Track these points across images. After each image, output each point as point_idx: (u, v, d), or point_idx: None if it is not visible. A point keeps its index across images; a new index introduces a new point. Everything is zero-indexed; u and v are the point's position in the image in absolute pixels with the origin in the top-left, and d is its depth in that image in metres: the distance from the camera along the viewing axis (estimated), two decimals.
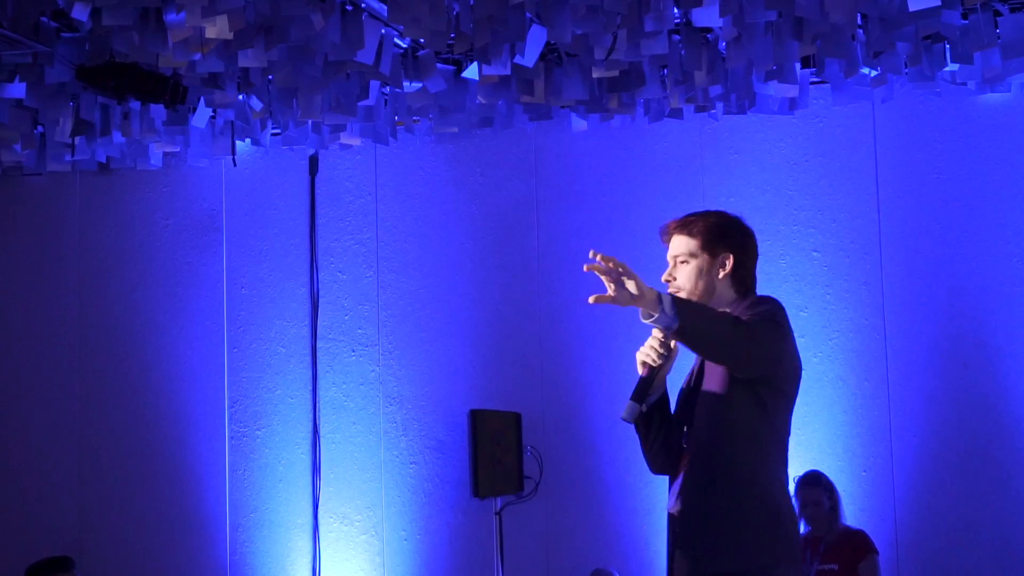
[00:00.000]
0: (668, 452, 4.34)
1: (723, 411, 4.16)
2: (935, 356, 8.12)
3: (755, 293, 4.36)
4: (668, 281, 4.40)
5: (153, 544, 8.91)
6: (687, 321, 3.99)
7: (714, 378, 4.20)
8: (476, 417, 7.90)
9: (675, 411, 4.38)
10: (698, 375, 4.31)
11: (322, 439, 8.85)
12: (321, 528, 8.78)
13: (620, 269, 4.05)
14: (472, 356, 8.76)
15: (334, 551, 8.76)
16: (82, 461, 9.05)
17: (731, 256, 4.33)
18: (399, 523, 8.74)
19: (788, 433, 4.28)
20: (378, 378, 8.87)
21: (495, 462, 7.93)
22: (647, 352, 4.31)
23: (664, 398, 4.40)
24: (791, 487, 4.55)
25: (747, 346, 4.05)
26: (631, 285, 4.02)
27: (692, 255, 4.37)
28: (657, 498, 8.28)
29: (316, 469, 8.83)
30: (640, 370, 4.32)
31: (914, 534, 8.04)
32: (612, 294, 4.06)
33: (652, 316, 4.02)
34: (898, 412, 8.11)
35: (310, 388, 8.91)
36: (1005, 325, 8.03)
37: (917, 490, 8.06)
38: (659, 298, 4.01)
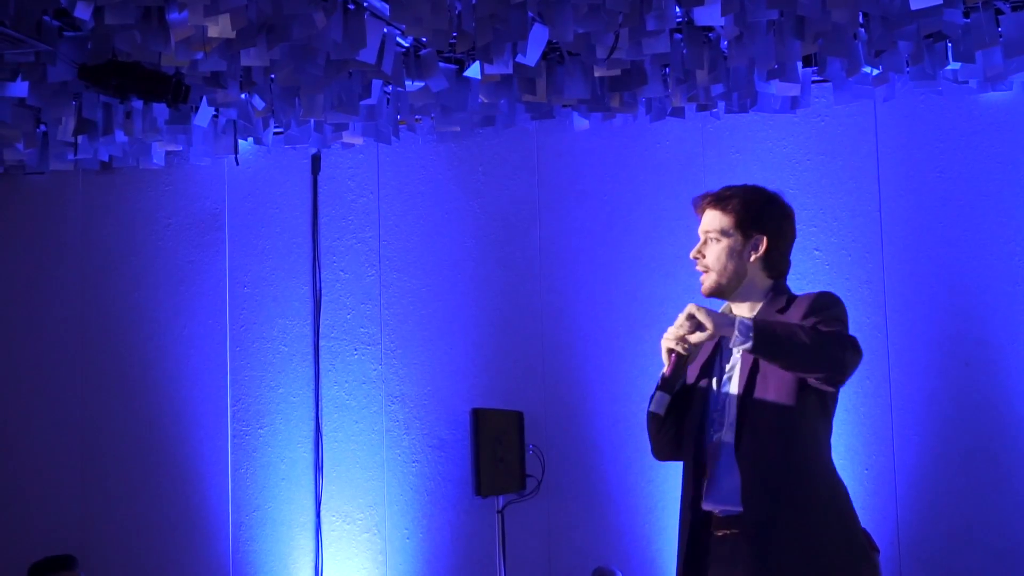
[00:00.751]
0: (678, 443, 4.16)
1: (795, 420, 3.98)
2: (936, 355, 8.12)
3: (785, 278, 4.19)
4: (696, 258, 4.16)
5: (156, 543, 8.92)
6: (761, 346, 3.82)
7: (778, 386, 3.99)
8: (478, 416, 7.90)
9: (697, 408, 4.14)
10: (748, 380, 4.04)
11: (324, 438, 8.85)
12: (323, 526, 8.78)
13: (683, 336, 3.93)
14: (474, 355, 8.77)
15: (336, 549, 8.77)
16: (84, 460, 9.05)
17: (765, 238, 4.11)
18: (401, 521, 8.75)
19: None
20: (380, 377, 8.87)
21: (497, 461, 7.93)
22: (672, 340, 4.00)
23: (684, 387, 4.18)
24: None
25: (834, 358, 3.92)
26: (696, 337, 3.90)
27: (724, 233, 4.13)
28: (659, 496, 8.29)
29: (318, 468, 8.84)
30: (665, 358, 4.06)
31: (916, 532, 8.04)
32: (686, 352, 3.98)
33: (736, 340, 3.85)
34: (900, 410, 8.12)
35: (312, 387, 8.92)
36: (1007, 324, 8.03)
37: (919, 489, 8.06)
38: (735, 323, 3.84)
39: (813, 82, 8.00)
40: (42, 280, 9.21)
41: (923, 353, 8.13)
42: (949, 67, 7.68)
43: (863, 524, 7.90)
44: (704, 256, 4.14)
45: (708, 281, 4.14)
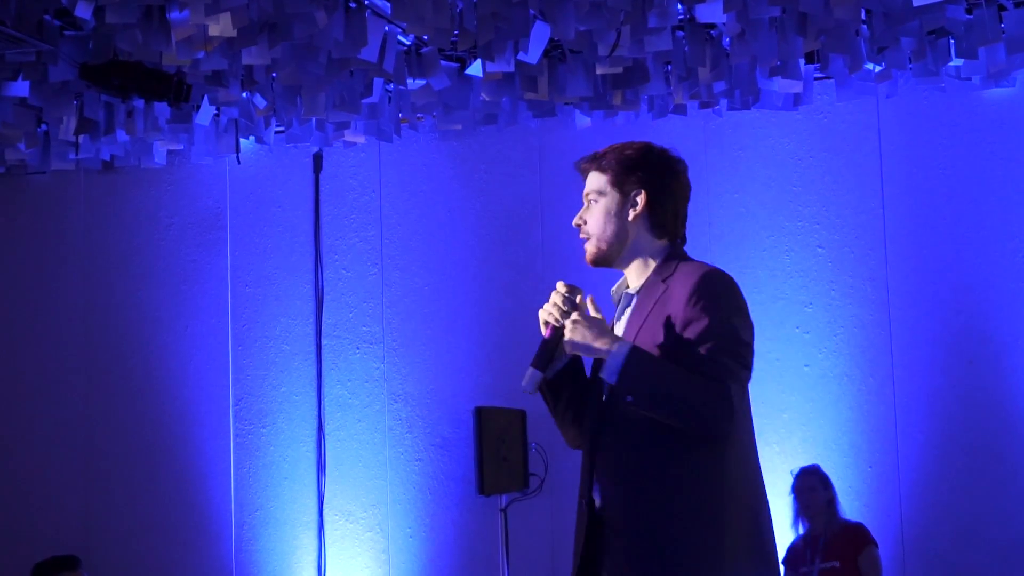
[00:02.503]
0: (581, 426, 3.80)
1: (656, 424, 3.61)
2: (940, 352, 8.12)
3: (681, 241, 3.79)
4: (578, 225, 3.81)
5: (158, 542, 8.92)
6: (625, 383, 3.54)
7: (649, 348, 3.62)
8: (481, 414, 7.90)
9: (591, 397, 3.79)
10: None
11: (327, 437, 8.85)
12: (326, 525, 8.78)
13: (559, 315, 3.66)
14: (477, 353, 8.76)
15: (339, 548, 8.76)
16: (87, 459, 9.05)
17: (644, 192, 3.73)
18: (404, 520, 8.74)
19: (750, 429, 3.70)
20: (383, 375, 8.87)
21: (500, 459, 7.93)
22: (549, 310, 3.75)
23: (576, 363, 3.85)
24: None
25: (710, 419, 3.51)
26: (572, 330, 3.62)
27: (601, 193, 3.76)
28: None
29: (321, 467, 8.83)
30: (543, 331, 3.77)
31: (919, 530, 8.03)
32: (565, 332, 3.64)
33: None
34: (903, 408, 8.11)
35: (315, 386, 8.92)
36: (1010, 321, 8.03)
37: (922, 486, 8.06)
38: (609, 348, 3.57)
39: (815, 79, 7.99)
40: (44, 280, 9.21)
41: (926, 350, 8.12)
42: (952, 63, 7.67)
43: (868, 521, 7.88)
44: (586, 222, 3.80)
45: (590, 248, 3.82)
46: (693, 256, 3.85)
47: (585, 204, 3.81)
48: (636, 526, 3.60)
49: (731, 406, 3.51)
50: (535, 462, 8.22)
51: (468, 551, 8.64)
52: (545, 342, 3.75)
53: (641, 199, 3.74)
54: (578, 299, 3.75)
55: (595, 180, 3.78)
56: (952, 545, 7.97)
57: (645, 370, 3.57)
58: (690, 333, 3.58)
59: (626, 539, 3.60)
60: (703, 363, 3.54)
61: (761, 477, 3.70)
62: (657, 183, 3.77)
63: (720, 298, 3.60)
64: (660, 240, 3.77)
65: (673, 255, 3.78)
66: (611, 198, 3.76)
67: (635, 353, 3.58)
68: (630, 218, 3.75)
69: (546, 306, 3.75)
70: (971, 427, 8.01)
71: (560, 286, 3.75)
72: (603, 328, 3.69)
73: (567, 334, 3.68)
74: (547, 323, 3.75)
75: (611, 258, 3.82)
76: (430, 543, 8.71)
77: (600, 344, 3.65)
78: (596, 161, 3.79)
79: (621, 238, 3.77)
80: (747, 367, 3.60)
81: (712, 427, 3.54)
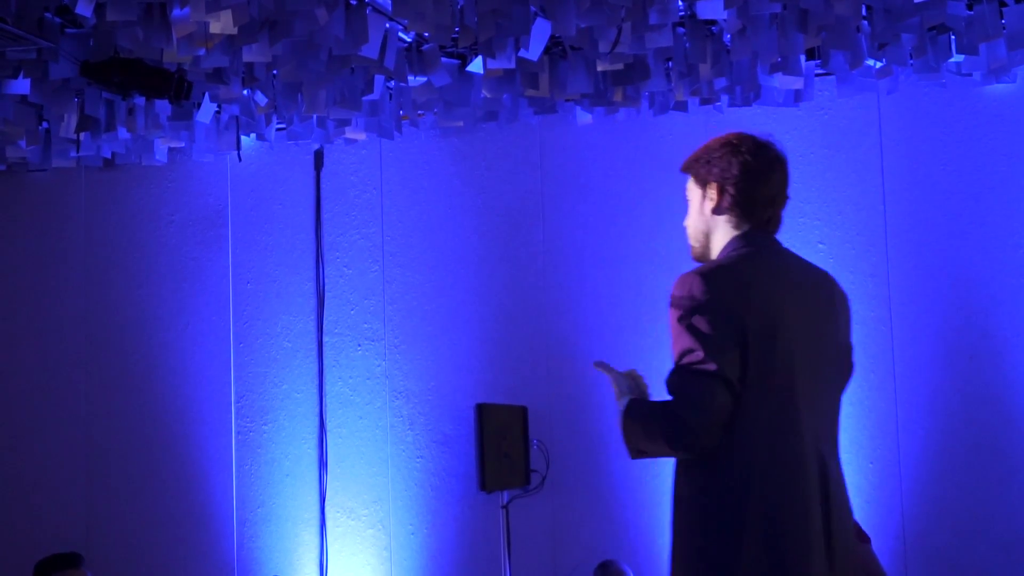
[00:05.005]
0: None
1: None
2: (941, 348, 8.12)
3: (762, 228, 3.77)
4: (686, 227, 3.89)
5: (160, 539, 8.92)
6: (625, 440, 3.68)
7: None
8: (482, 411, 7.90)
9: None
10: None
11: (328, 434, 8.85)
12: (328, 523, 8.78)
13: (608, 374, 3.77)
14: (478, 350, 8.77)
15: (341, 545, 8.77)
16: (89, 457, 9.06)
17: (715, 185, 3.76)
18: (406, 517, 8.74)
19: (764, 405, 3.58)
20: (384, 372, 8.87)
21: (501, 456, 7.93)
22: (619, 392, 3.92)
23: None
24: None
25: (671, 434, 3.54)
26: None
27: (690, 191, 3.84)
28: (664, 491, 8.28)
29: (323, 464, 8.84)
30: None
31: (921, 526, 8.03)
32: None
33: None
34: (904, 404, 8.11)
35: (316, 383, 8.92)
36: (1011, 317, 8.02)
37: (924, 482, 8.06)
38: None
39: (816, 75, 7.99)
40: (45, 277, 9.21)
41: (928, 347, 8.12)
42: (953, 60, 7.67)
43: (868, 518, 7.88)
44: (687, 225, 3.88)
45: (691, 247, 3.89)
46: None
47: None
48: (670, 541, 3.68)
49: (680, 424, 3.52)
50: (537, 458, 8.22)
51: (470, 547, 8.64)
52: None
53: (714, 192, 3.76)
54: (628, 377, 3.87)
55: (687, 182, 3.85)
56: (953, 541, 7.97)
57: (628, 430, 3.70)
58: None
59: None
60: (666, 383, 3.63)
61: (788, 481, 3.58)
62: (724, 173, 3.75)
63: (673, 305, 3.64)
64: (737, 230, 3.77)
65: (727, 248, 3.77)
66: (695, 195, 3.82)
67: (625, 415, 3.72)
68: (709, 213, 3.77)
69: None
70: (972, 423, 8.01)
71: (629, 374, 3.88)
72: (622, 390, 3.82)
73: None
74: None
75: (704, 254, 3.86)
76: (432, 540, 8.71)
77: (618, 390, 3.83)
78: (687, 161, 3.84)
79: (706, 233, 3.80)
80: (698, 373, 3.53)
81: (682, 448, 3.55)
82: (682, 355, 3.57)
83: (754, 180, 3.76)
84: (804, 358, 3.64)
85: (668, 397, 3.62)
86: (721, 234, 3.78)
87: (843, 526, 3.70)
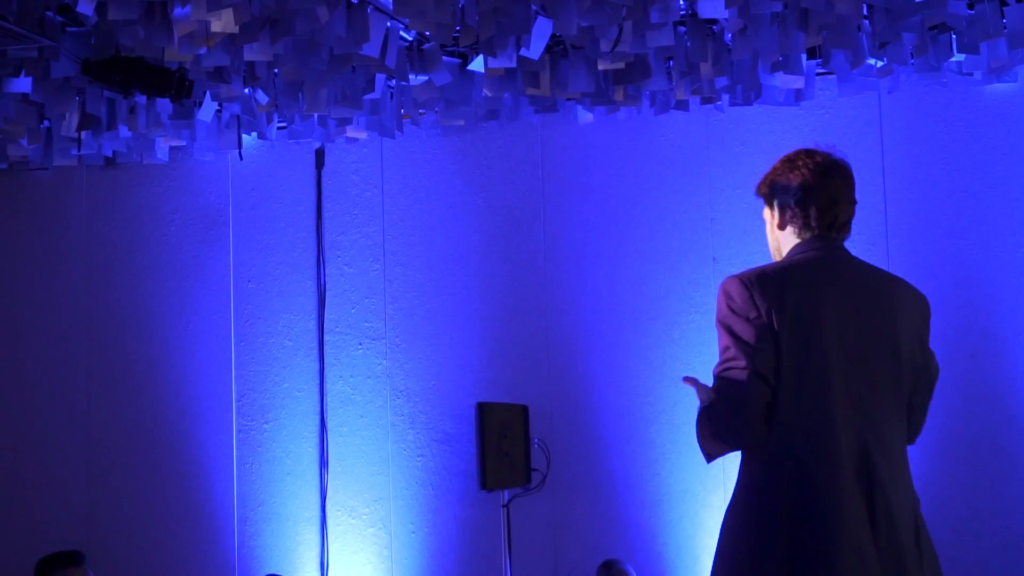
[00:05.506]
0: None
1: None
2: (942, 346, 8.04)
3: (827, 237, 3.96)
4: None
5: (161, 538, 8.93)
6: (700, 446, 3.88)
7: None
8: (483, 410, 7.90)
9: None
10: None
11: (329, 432, 8.85)
12: (329, 521, 8.79)
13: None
14: (479, 349, 8.77)
15: (342, 544, 8.77)
16: (90, 455, 9.06)
17: (777, 205, 3.97)
18: (407, 516, 8.75)
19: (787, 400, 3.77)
20: (385, 371, 8.87)
21: (502, 454, 7.93)
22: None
23: None
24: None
25: (701, 437, 3.84)
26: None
27: (764, 214, 4.06)
28: (665, 490, 8.29)
29: (323, 462, 8.84)
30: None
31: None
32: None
33: None
34: None
35: (317, 382, 8.92)
36: (1012, 315, 8.03)
37: (924, 481, 8.00)
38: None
39: (817, 74, 8.00)
40: (46, 276, 9.21)
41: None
42: (953, 59, 7.67)
43: None
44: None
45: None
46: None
47: None
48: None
49: (723, 419, 3.75)
50: (537, 457, 8.22)
51: (470, 546, 8.64)
52: None
53: (776, 211, 3.98)
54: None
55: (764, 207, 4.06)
56: (954, 539, 7.97)
57: (698, 436, 3.87)
58: None
59: None
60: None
61: (817, 475, 3.70)
62: (783, 190, 3.96)
63: (717, 307, 3.84)
64: (799, 239, 3.96)
65: (788, 255, 3.96)
66: (766, 216, 4.03)
67: (697, 422, 3.87)
68: (778, 231, 3.99)
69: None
70: (973, 421, 8.02)
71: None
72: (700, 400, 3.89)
73: None
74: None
75: None
76: (432, 539, 8.71)
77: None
78: (757, 186, 4.06)
79: (778, 249, 4.01)
80: (734, 370, 3.74)
81: (733, 443, 3.79)
82: (722, 353, 3.78)
83: (810, 191, 3.95)
84: (848, 358, 3.78)
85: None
86: (788, 246, 3.97)
87: (893, 533, 3.76)
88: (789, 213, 3.94)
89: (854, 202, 4.09)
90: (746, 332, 3.73)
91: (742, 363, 3.71)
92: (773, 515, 3.68)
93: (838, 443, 3.71)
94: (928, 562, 3.81)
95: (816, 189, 3.94)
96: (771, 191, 3.99)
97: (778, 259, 3.98)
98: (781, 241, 3.98)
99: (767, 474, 3.71)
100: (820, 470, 3.69)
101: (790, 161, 3.98)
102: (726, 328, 3.76)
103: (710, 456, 3.85)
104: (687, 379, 3.91)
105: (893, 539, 3.73)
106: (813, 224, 3.94)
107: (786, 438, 3.70)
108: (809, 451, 3.70)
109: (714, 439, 3.79)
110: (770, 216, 4.01)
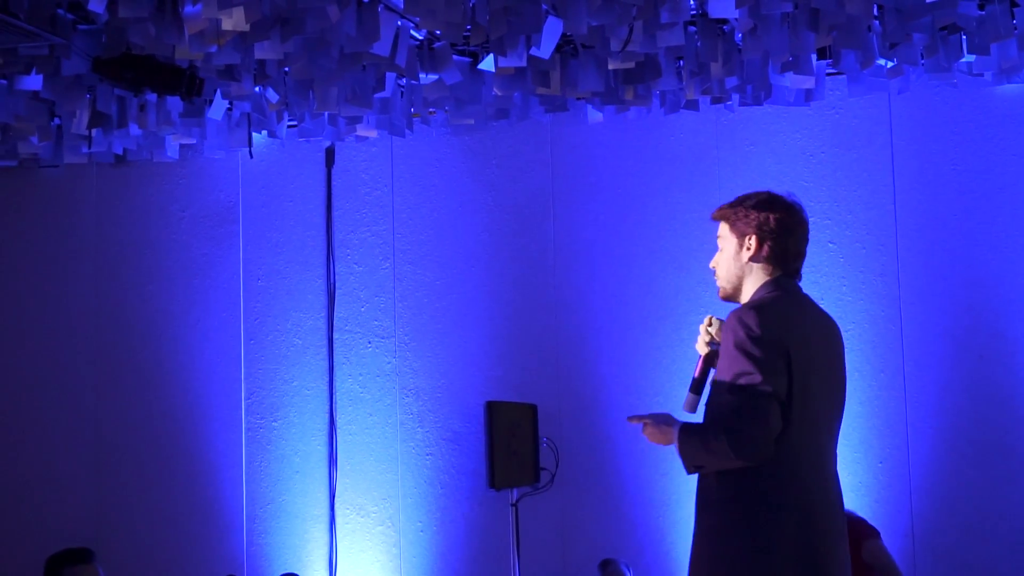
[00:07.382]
0: None
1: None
2: (951, 347, 8.11)
3: (788, 275, 4.28)
4: (713, 268, 4.36)
5: (170, 535, 8.94)
6: (684, 458, 4.09)
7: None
8: (492, 408, 7.90)
9: None
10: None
11: (338, 430, 8.86)
12: (337, 519, 8.80)
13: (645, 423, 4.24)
14: (488, 347, 8.77)
15: (350, 542, 8.78)
16: (99, 453, 9.07)
17: (754, 236, 4.23)
18: (415, 514, 8.75)
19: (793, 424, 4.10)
20: (394, 370, 8.88)
21: (511, 453, 7.93)
22: (700, 343, 4.36)
23: None
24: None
25: (715, 456, 4.04)
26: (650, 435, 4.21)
27: (724, 239, 4.31)
28: (673, 489, 8.29)
29: (332, 460, 8.85)
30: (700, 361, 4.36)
31: (930, 524, 8.03)
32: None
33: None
34: (914, 403, 8.11)
35: (326, 380, 8.93)
36: (1021, 317, 8.02)
37: (933, 481, 8.06)
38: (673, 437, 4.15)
39: (827, 75, 7.99)
40: (56, 273, 9.23)
41: (937, 346, 8.12)
42: (964, 59, 7.66)
43: (878, 516, 7.88)
44: (716, 266, 4.34)
45: (719, 287, 4.34)
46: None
47: (719, 248, 4.33)
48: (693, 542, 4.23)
49: (743, 436, 3.97)
50: (546, 456, 8.22)
51: (479, 545, 8.65)
52: (700, 372, 4.35)
53: (752, 242, 4.23)
54: (706, 325, 4.36)
55: (721, 228, 4.32)
56: (962, 540, 7.97)
57: (685, 450, 4.10)
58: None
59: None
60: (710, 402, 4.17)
61: (823, 490, 4.11)
62: (763, 226, 4.23)
63: (732, 334, 4.07)
64: (769, 276, 4.26)
65: (762, 291, 4.25)
66: (730, 243, 4.28)
67: (680, 437, 4.13)
68: (746, 260, 4.25)
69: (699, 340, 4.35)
70: (981, 422, 8.01)
71: (706, 320, 4.36)
72: (666, 424, 4.20)
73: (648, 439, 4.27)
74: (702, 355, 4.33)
75: (734, 295, 4.32)
76: (441, 537, 8.72)
77: (668, 441, 4.17)
78: (719, 212, 4.32)
79: (740, 277, 4.27)
80: (757, 392, 3.99)
81: (746, 457, 3.99)
82: (737, 376, 4.02)
83: (787, 234, 4.27)
84: (822, 387, 4.14)
85: (714, 412, 4.10)
86: (754, 279, 4.25)
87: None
88: (768, 250, 4.23)
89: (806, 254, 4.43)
90: (767, 359, 4.00)
91: (768, 388, 3.98)
92: (779, 524, 4.02)
93: (825, 462, 4.16)
94: None
95: (795, 235, 4.29)
96: (747, 223, 4.25)
97: (735, 287, 4.27)
98: (746, 273, 4.26)
99: (771, 487, 4.02)
100: (823, 486, 4.12)
101: (767, 203, 4.27)
102: (745, 353, 4.01)
103: (696, 469, 4.11)
104: (632, 418, 4.23)
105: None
106: (786, 265, 4.28)
107: (794, 458, 4.03)
108: (812, 468, 4.08)
109: (718, 452, 4.01)
110: (737, 246, 4.27)
